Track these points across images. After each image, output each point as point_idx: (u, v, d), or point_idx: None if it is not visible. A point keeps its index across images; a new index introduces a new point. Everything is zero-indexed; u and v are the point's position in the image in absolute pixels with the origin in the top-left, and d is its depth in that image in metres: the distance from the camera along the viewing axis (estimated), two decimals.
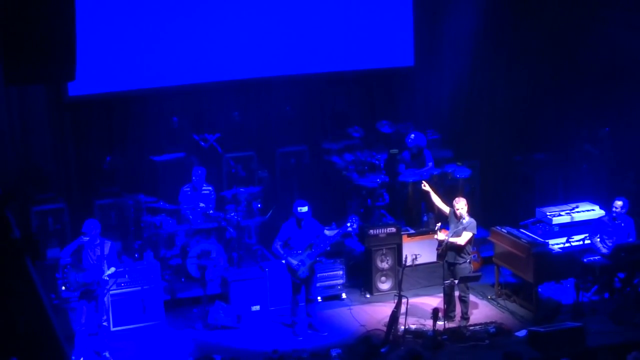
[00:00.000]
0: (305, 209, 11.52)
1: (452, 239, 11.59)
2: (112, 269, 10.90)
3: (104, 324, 11.04)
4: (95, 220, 11.20)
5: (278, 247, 11.55)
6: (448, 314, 11.75)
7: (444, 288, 11.75)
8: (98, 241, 10.92)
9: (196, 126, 14.33)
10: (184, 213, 13.19)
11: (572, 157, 15.20)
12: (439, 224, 12.00)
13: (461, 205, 11.67)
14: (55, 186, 13.68)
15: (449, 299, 11.80)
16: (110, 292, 11.49)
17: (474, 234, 11.68)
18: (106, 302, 11.05)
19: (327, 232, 11.72)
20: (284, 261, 11.59)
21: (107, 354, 11.04)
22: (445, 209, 11.99)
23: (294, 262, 11.43)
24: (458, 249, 11.60)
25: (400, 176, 14.00)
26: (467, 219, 11.62)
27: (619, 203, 12.38)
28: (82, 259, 10.82)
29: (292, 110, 15.12)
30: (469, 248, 11.76)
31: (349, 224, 11.63)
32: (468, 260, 11.71)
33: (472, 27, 15.33)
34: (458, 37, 15.43)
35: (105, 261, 10.86)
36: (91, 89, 13.64)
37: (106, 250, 10.88)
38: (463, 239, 11.55)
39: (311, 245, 11.49)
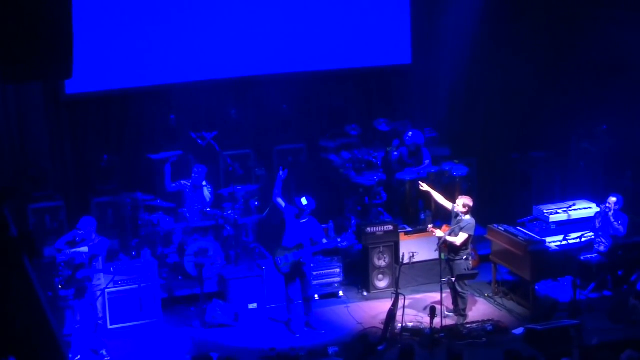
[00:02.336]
0: (304, 200, 11.55)
1: (449, 238, 11.62)
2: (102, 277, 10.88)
3: (99, 322, 11.02)
4: (91, 217, 11.19)
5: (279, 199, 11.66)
6: (455, 308, 11.85)
7: (447, 284, 11.77)
8: (94, 237, 10.91)
9: (193, 124, 14.32)
10: (182, 211, 13.19)
11: (569, 154, 15.21)
12: (430, 225, 12.08)
13: (458, 203, 11.69)
14: (52, 184, 13.67)
15: (454, 295, 11.87)
16: (107, 290, 11.52)
17: (470, 235, 11.68)
18: (100, 300, 11.01)
19: (324, 241, 11.78)
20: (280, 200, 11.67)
21: (104, 352, 11.03)
22: (448, 205, 12.00)
23: (282, 203, 11.49)
24: (455, 247, 11.62)
25: (397, 174, 14.02)
26: (466, 217, 11.63)
27: (612, 199, 12.38)
28: (76, 256, 10.81)
29: (290, 108, 15.12)
30: (468, 245, 11.76)
31: (339, 240, 11.90)
32: (464, 257, 11.71)
33: (469, 24, 15.32)
34: (455, 35, 15.43)
35: (100, 258, 10.85)
36: (88, 87, 13.63)
37: (99, 249, 10.86)
38: (459, 239, 11.58)
39: (301, 245, 11.51)
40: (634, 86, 14.35)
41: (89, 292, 10.84)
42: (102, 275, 10.97)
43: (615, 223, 12.29)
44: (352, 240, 12.46)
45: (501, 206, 14.51)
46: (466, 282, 11.91)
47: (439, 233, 11.75)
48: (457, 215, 11.68)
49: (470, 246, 11.88)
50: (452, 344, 10.84)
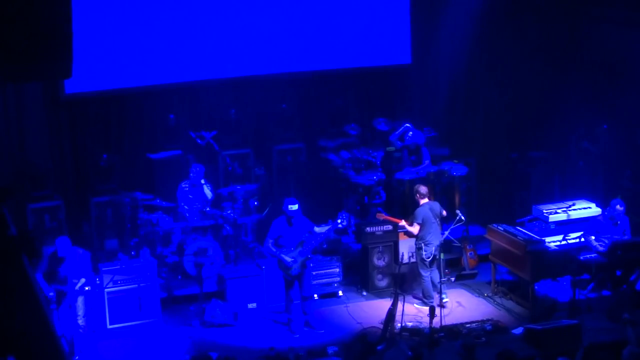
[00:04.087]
0: (295, 207, 11.53)
1: (409, 228, 12.19)
2: (82, 280, 10.82)
3: (80, 329, 10.89)
4: (65, 237, 11.08)
5: (270, 245, 11.59)
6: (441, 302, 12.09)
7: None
8: (71, 252, 10.85)
9: (193, 124, 14.32)
10: (181, 210, 13.18)
11: (568, 154, 15.21)
12: (384, 215, 12.70)
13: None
14: (52, 184, 13.66)
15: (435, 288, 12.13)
16: (107, 289, 11.52)
17: (419, 223, 12.08)
18: (80, 305, 10.90)
19: (317, 229, 11.75)
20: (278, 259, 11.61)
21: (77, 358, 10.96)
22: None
23: (288, 259, 11.46)
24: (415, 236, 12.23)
25: (397, 173, 14.02)
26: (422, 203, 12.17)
27: (619, 208, 12.30)
28: (57, 271, 10.77)
29: (289, 107, 15.12)
30: (423, 233, 12.10)
31: (339, 220, 11.74)
32: (419, 247, 12.13)
33: (468, 24, 15.32)
34: (455, 35, 15.43)
35: (76, 272, 10.76)
36: (88, 87, 13.62)
37: (77, 261, 10.81)
38: (414, 228, 12.12)
39: (302, 242, 11.51)
40: (633, 86, 14.36)
41: (66, 299, 10.76)
42: (79, 288, 10.86)
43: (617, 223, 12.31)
44: (347, 219, 12.41)
45: (500, 206, 14.52)
46: (425, 266, 12.14)
47: (402, 223, 12.26)
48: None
49: (425, 234, 12.11)
50: (468, 339, 10.84)
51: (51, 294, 10.62)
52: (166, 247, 13.08)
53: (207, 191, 13.23)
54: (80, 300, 10.90)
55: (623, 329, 9.95)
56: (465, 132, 15.62)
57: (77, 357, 10.89)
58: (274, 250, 11.57)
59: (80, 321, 10.88)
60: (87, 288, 10.86)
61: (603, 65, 14.86)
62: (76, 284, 10.77)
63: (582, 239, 12.33)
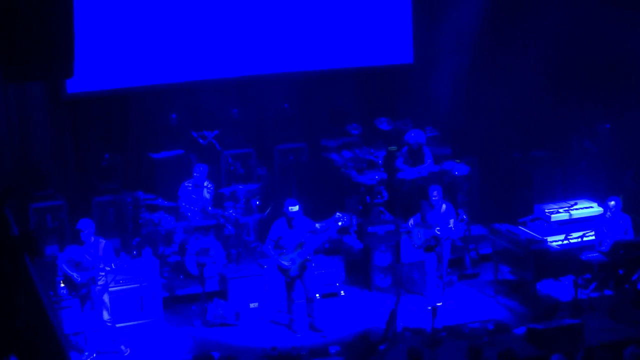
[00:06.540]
0: (296, 208, 11.51)
1: None
2: (108, 269, 10.88)
3: (108, 322, 10.98)
4: (89, 220, 11.14)
5: (270, 248, 11.59)
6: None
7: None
8: (93, 239, 10.88)
9: (195, 123, 14.34)
10: (183, 210, 13.19)
11: (570, 154, 15.21)
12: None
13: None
14: (54, 183, 13.68)
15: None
16: (109, 289, 11.53)
17: None
18: (105, 299, 10.98)
19: (318, 226, 11.74)
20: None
21: (123, 347, 11.04)
22: None
23: (285, 263, 11.45)
24: None
25: (399, 173, 14.01)
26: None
27: (611, 203, 12.36)
28: (78, 259, 10.79)
29: (291, 107, 15.12)
30: None
31: (340, 223, 11.72)
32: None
33: (471, 24, 15.32)
34: (457, 34, 15.42)
35: (101, 261, 10.81)
36: (90, 86, 13.64)
37: (100, 250, 10.85)
38: None
39: (302, 243, 11.50)
40: (636, 85, 14.35)
41: (90, 294, 10.82)
42: (106, 272, 10.92)
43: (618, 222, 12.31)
44: (347, 218, 12.40)
45: (502, 205, 14.50)
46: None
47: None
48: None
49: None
50: (475, 341, 10.84)
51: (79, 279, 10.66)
52: (168, 246, 13.08)
53: (206, 194, 13.23)
54: (105, 296, 10.94)
55: (625, 328, 9.95)
56: (467, 132, 15.60)
57: (94, 355, 10.92)
58: (271, 253, 11.59)
59: (106, 316, 10.92)
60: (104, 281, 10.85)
61: (605, 64, 14.84)
62: (103, 271, 10.76)
63: (585, 238, 12.32)
